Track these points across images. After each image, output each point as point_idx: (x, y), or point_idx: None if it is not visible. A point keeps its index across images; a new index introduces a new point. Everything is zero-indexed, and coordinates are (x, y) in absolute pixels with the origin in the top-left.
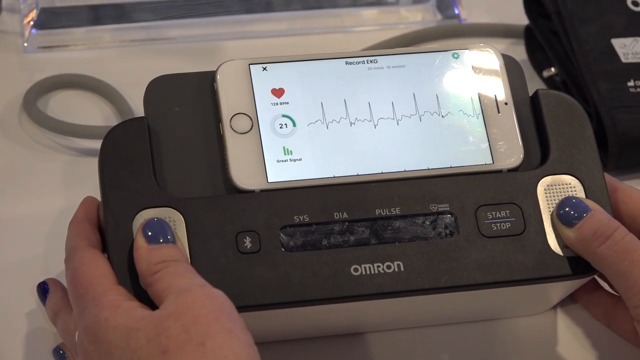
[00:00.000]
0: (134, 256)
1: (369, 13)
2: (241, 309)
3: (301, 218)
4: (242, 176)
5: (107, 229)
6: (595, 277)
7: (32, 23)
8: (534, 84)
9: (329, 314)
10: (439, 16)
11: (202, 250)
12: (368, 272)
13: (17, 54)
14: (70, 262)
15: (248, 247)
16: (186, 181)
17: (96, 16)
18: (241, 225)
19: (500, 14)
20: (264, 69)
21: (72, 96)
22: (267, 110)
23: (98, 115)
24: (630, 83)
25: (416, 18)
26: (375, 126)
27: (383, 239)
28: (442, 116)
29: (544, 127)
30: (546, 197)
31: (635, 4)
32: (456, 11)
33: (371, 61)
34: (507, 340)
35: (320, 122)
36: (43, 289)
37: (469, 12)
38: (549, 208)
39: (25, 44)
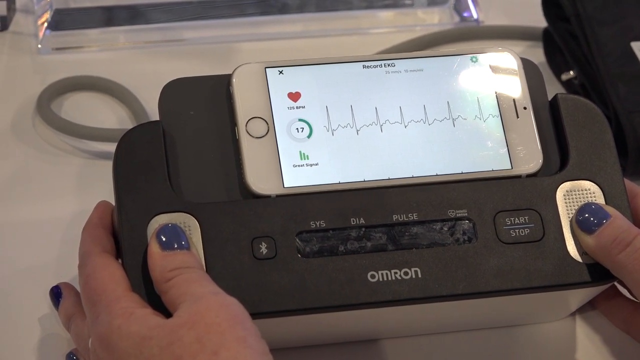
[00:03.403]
0: (148, 262)
1: (385, 15)
2: (256, 315)
3: (318, 224)
4: (258, 181)
5: (121, 234)
6: (615, 283)
7: (46, 24)
8: (552, 87)
9: (345, 321)
10: (456, 18)
11: (217, 256)
12: (385, 279)
13: (31, 56)
14: (83, 268)
15: (264, 252)
16: (201, 186)
17: (110, 17)
18: (257, 231)
19: (518, 16)
20: (280, 72)
21: (86, 98)
22: (283, 114)
23: (112, 117)
24: None
25: (433, 20)
26: (392, 131)
27: (400, 245)
28: (461, 120)
29: (564, 132)
30: (565, 203)
31: None
32: (474, 13)
33: (389, 65)
34: (525, 347)
35: (337, 127)
36: (56, 294)
37: (486, 14)
38: (568, 214)
39: (39, 46)
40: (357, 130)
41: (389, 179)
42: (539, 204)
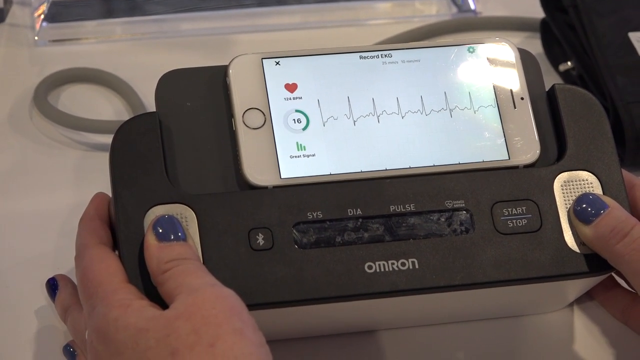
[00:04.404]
0: (145, 254)
1: (383, 6)
2: (253, 306)
3: (314, 215)
4: (255, 172)
5: (118, 226)
6: (613, 274)
7: (42, 16)
8: (550, 78)
9: (343, 312)
10: (453, 9)
11: (214, 247)
12: (382, 270)
13: (27, 48)
14: (80, 260)
15: (261, 244)
16: (198, 177)
17: (107, 9)
18: (254, 222)
19: (515, 7)
20: (277, 63)
21: (83, 90)
22: (280, 105)
23: (109, 109)
24: None
25: (431, 11)
26: (388, 122)
27: (397, 235)
28: (458, 111)
29: (561, 123)
30: (563, 193)
31: None
32: (471, 4)
33: (386, 55)
34: (523, 338)
35: (334, 118)
36: (52, 285)
37: (484, 5)
38: (566, 205)
39: (36, 38)
40: (354, 121)
41: (386, 169)
42: (537, 194)
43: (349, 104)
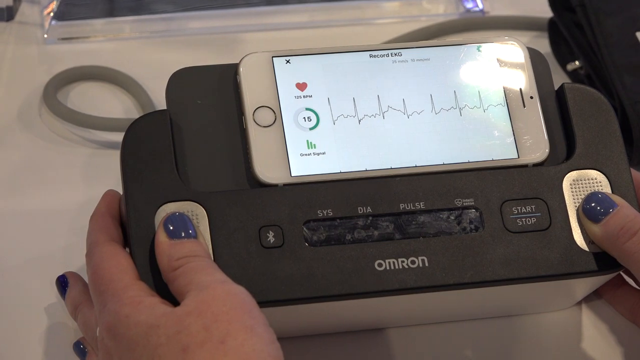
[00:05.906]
0: (155, 251)
1: (391, 5)
2: (264, 304)
3: (325, 212)
4: (265, 170)
5: (128, 223)
6: (621, 273)
7: (52, 14)
8: (557, 78)
9: (353, 310)
10: (461, 8)
11: (225, 245)
12: (392, 267)
13: (37, 46)
14: (91, 257)
15: (271, 241)
16: (209, 175)
17: (116, 7)
18: (264, 220)
19: (523, 7)
20: (288, 61)
21: (93, 88)
22: (290, 103)
23: (119, 107)
24: None
25: (438, 10)
26: (398, 120)
27: (407, 233)
28: (467, 110)
29: (570, 121)
30: (572, 192)
31: None
32: (479, 4)
33: (395, 54)
34: (532, 336)
35: (344, 116)
36: (62, 283)
37: (492, 4)
38: (575, 203)
39: (45, 36)
40: (363, 120)
41: (395, 168)
42: (546, 193)
43: (359, 103)
